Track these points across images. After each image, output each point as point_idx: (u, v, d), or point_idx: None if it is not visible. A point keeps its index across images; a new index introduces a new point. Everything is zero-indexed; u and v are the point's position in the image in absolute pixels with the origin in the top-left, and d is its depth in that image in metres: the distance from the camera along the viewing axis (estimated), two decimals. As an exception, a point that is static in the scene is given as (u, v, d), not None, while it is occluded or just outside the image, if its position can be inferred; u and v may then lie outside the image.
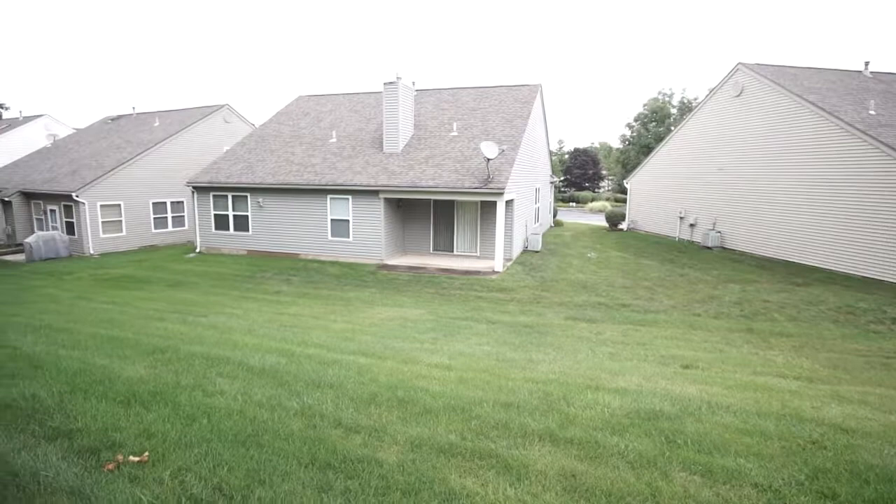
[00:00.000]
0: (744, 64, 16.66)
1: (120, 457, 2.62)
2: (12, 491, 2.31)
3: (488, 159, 13.35)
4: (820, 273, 12.75)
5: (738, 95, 16.79)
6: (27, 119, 32.99)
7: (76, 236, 19.44)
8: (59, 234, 19.46)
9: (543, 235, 20.07)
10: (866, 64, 17.28)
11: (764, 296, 10.70)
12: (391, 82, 15.70)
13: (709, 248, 17.36)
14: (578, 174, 58.54)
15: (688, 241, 19.33)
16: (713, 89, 18.49)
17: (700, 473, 2.64)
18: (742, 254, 16.12)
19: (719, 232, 17.39)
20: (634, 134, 50.66)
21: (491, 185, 13.16)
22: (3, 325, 6.29)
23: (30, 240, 18.76)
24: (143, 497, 2.25)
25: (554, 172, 31.98)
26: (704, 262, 14.72)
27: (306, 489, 2.39)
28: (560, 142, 68.24)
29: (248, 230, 17.60)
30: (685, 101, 48.60)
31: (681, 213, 19.86)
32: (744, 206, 16.30)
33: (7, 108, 46.91)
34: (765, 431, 3.22)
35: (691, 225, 19.18)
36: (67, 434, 2.88)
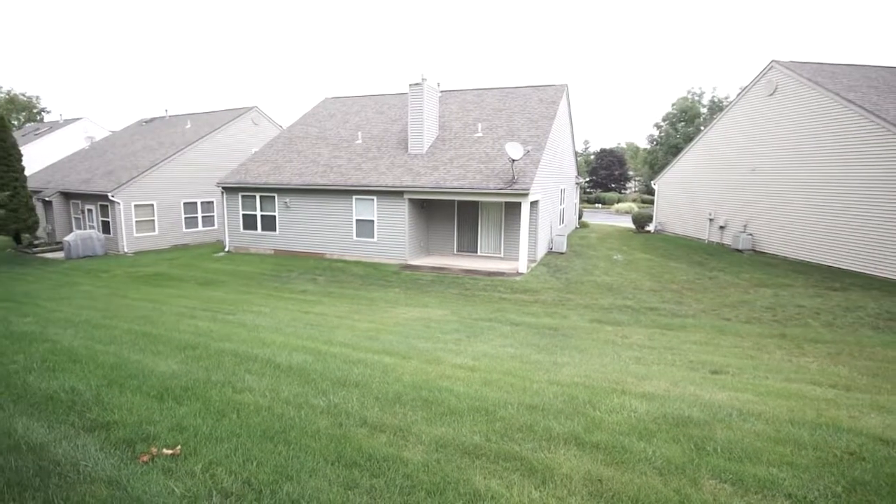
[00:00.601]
0: (778, 61, 16.19)
1: (154, 449, 2.71)
2: (54, 479, 2.41)
3: (513, 160, 13.30)
4: (858, 277, 12.29)
5: (772, 94, 16.32)
6: (67, 122, 34.31)
7: (111, 235, 20.07)
8: (96, 233, 20.13)
9: (568, 237, 19.82)
10: (909, 60, 16.46)
11: (798, 300, 10.36)
12: (416, 83, 15.76)
13: (739, 250, 16.91)
14: (604, 175, 57.79)
15: (717, 243, 18.88)
16: (745, 88, 18.00)
17: (731, 482, 2.58)
18: (774, 257, 15.66)
19: (751, 234, 16.92)
20: (662, 134, 49.75)
21: (515, 187, 13.09)
22: (45, 320, 6.52)
23: (68, 238, 19.43)
24: (175, 489, 2.31)
25: (579, 173, 31.45)
26: (735, 266, 14.34)
27: (332, 486, 2.42)
28: (586, 142, 67.68)
29: (275, 230, 17.91)
30: (715, 100, 47.50)
31: (710, 214, 19.41)
32: (777, 208, 15.83)
33: (48, 112, 48.89)
34: (799, 440, 3.12)
35: (721, 227, 18.72)
36: (105, 426, 2.99)
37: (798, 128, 15.14)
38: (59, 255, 20.00)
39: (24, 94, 46.11)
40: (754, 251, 16.77)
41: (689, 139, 36.42)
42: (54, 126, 34.04)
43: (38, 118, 47.00)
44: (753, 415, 3.60)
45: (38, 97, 47.18)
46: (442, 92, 19.34)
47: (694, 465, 2.75)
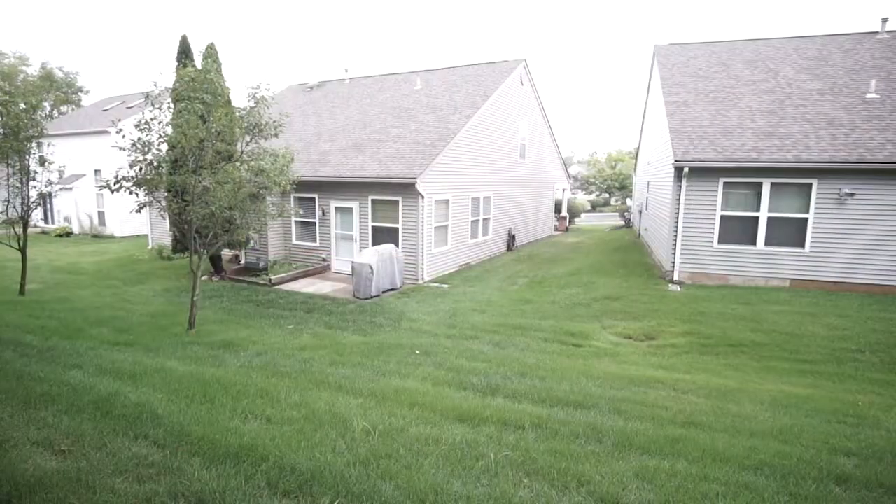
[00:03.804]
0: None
1: None
2: None
3: None
4: None
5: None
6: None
7: (399, 251, 14.04)
8: (395, 249, 12.09)
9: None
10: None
11: None
12: None
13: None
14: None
15: None
16: None
17: None
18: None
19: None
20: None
21: None
22: None
23: (365, 260, 11.61)
24: None
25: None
26: None
27: None
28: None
29: (801, 245, 10.35)
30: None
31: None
32: None
33: (87, 92, 39.20)
34: None
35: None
36: None
37: None
38: (304, 286, 13.23)
39: (61, 69, 36.50)
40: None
41: None
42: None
43: (77, 98, 37.41)
44: None
45: (77, 73, 37.58)
46: None
47: None
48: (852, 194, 11.13)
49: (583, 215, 37.42)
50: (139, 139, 8.76)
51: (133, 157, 8.82)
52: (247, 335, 8.74)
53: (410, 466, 3.37)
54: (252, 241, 14.83)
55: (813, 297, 10.89)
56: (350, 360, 6.80)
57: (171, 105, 10.14)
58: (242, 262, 15.95)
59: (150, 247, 19.74)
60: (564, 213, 28.97)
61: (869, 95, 12.83)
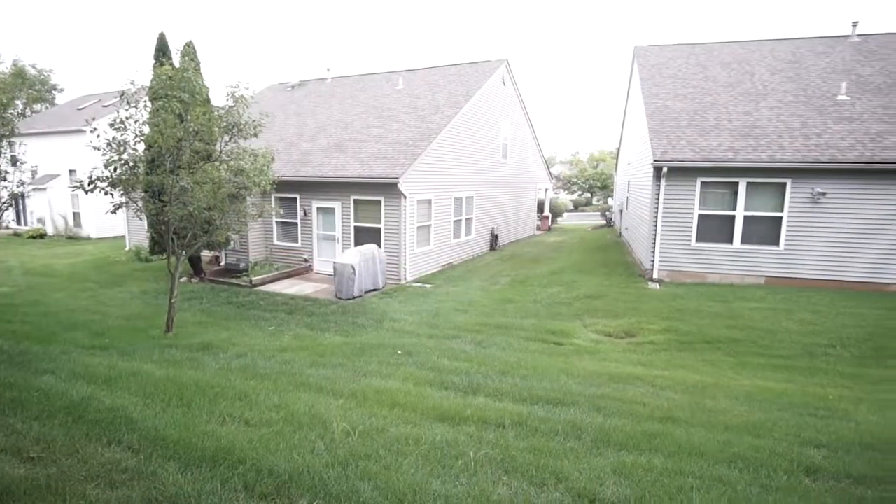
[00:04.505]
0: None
1: None
2: None
3: None
4: None
5: None
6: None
7: (382, 251, 14.02)
8: (377, 249, 12.10)
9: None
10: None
11: None
12: None
13: None
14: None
15: None
16: None
17: None
18: None
19: None
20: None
21: None
22: None
23: (347, 261, 11.58)
24: None
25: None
26: None
27: None
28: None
29: (775, 243, 10.61)
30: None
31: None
32: None
33: (61, 90, 38.24)
34: None
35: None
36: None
37: None
38: (285, 287, 13.41)
39: (34, 66, 35.57)
40: None
41: None
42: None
43: (50, 96, 36.48)
44: None
45: (51, 71, 36.66)
46: None
47: None
48: (824, 193, 11.42)
49: (565, 215, 37.73)
50: (114, 138, 8.58)
51: (108, 157, 8.63)
52: (226, 337, 8.63)
53: (390, 467, 3.37)
54: (232, 242, 14.64)
55: (787, 293, 11.14)
56: (331, 361, 6.76)
57: (148, 104, 9.96)
58: (223, 263, 15.73)
59: (127, 248, 19.35)
60: (547, 212, 29.17)
61: (840, 97, 13.18)
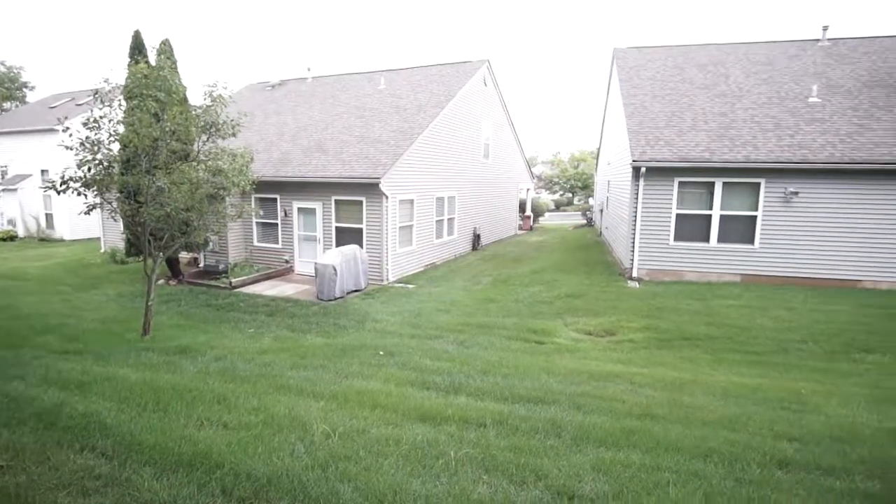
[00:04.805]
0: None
1: None
2: None
3: None
4: None
5: None
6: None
7: (363, 251, 13.96)
8: (359, 250, 12.09)
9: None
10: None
11: None
12: None
13: None
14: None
15: None
16: None
17: None
18: None
19: None
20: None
21: None
22: None
23: (328, 261, 11.58)
24: None
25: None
26: None
27: None
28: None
29: (751, 242, 10.94)
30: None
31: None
32: None
33: (32, 88, 37.31)
34: None
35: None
36: None
37: None
38: (266, 288, 13.51)
39: (3, 64, 34.57)
40: None
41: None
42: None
43: (21, 94, 35.52)
44: None
45: (21, 68, 35.66)
46: None
47: None
48: (797, 193, 11.72)
49: (546, 214, 38.02)
50: (88, 138, 8.39)
51: (81, 157, 8.43)
52: (205, 340, 8.50)
53: (370, 468, 3.36)
54: (211, 244, 14.42)
55: (762, 291, 11.40)
56: (312, 363, 6.71)
57: (123, 103, 9.76)
58: (201, 264, 15.49)
59: (102, 250, 18.92)
60: (529, 212, 29.36)
61: (811, 99, 13.53)
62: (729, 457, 3.88)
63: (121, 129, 8.84)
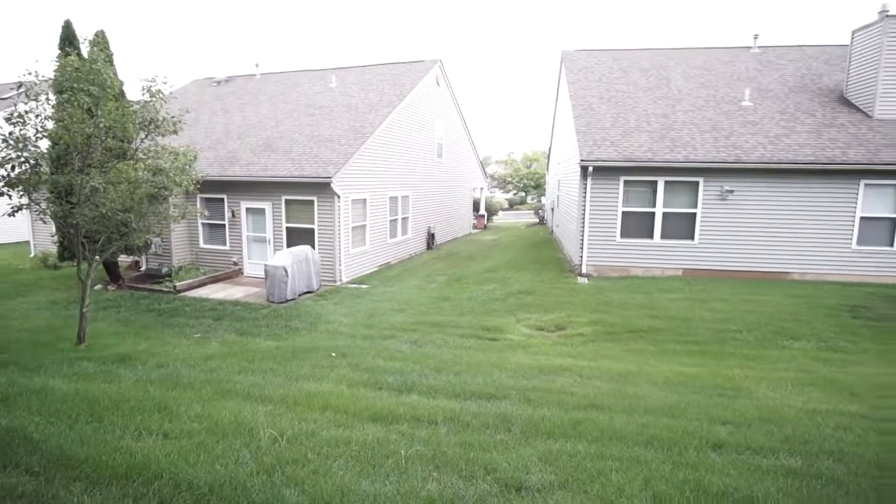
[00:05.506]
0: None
1: None
2: None
3: None
4: None
5: None
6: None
7: (316, 251, 13.92)
8: (311, 251, 12.00)
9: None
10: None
11: None
12: None
13: None
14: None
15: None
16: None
17: None
18: None
19: None
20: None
21: None
22: None
23: (279, 263, 11.52)
24: None
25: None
26: None
27: None
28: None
29: (691, 237, 11.50)
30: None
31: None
32: None
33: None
34: None
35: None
36: None
37: None
38: (213, 292, 13.26)
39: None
40: None
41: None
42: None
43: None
44: None
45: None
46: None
47: None
48: (732, 191, 12.40)
49: (500, 213, 38.53)
50: (11, 133, 7.82)
51: (5, 154, 7.85)
52: (146, 347, 8.12)
53: (318, 470, 3.31)
54: (153, 246, 13.77)
55: (702, 284, 12.00)
56: (261, 367, 6.54)
57: (52, 97, 9.16)
58: (143, 268, 14.77)
59: (32, 254, 17.68)
60: (483, 211, 29.67)
61: (744, 103, 14.35)
62: (668, 442, 4.07)
63: (50, 124, 8.30)
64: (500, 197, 50.03)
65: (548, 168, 31.29)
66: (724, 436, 4.27)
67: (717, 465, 3.69)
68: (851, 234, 12.18)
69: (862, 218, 12.10)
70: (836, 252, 12.28)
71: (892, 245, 12.08)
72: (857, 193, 12.02)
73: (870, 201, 12.07)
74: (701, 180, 12.52)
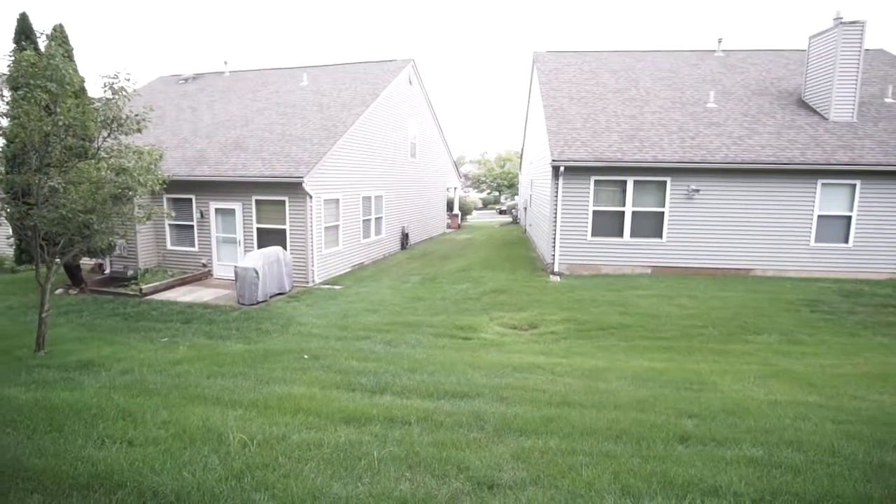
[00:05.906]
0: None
1: None
2: None
3: None
4: None
5: None
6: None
7: (287, 253, 13.77)
8: (283, 252, 11.90)
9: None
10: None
11: None
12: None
13: None
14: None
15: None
16: None
17: None
18: None
19: None
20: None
21: None
22: None
23: (249, 264, 11.43)
24: None
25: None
26: None
27: None
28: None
29: (659, 236, 11.74)
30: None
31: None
32: None
33: None
34: None
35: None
36: None
37: None
38: (181, 294, 13.03)
39: None
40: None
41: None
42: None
43: None
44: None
45: None
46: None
47: None
48: (698, 190, 12.76)
49: (474, 213, 38.71)
50: (-38, 132, 7.47)
51: (-46, 153, 7.50)
52: (110, 353, 7.86)
53: (289, 474, 3.27)
54: (118, 248, 13.34)
55: (670, 281, 12.31)
56: (231, 371, 6.41)
57: (6, 93, 8.78)
58: (107, 271, 14.29)
59: (-14, 258, 16.92)
60: (457, 210, 29.76)
61: (709, 105, 14.77)
62: (637, 436, 4.16)
63: (4, 122, 7.96)
64: (475, 196, 50.26)
65: (521, 168, 31.58)
66: (691, 428, 4.39)
67: (683, 457, 3.79)
68: (810, 232, 12.68)
69: (819, 216, 12.61)
70: (795, 249, 12.77)
71: (847, 242, 12.63)
72: (815, 193, 12.52)
73: (826, 200, 12.59)
74: (668, 180, 12.84)
